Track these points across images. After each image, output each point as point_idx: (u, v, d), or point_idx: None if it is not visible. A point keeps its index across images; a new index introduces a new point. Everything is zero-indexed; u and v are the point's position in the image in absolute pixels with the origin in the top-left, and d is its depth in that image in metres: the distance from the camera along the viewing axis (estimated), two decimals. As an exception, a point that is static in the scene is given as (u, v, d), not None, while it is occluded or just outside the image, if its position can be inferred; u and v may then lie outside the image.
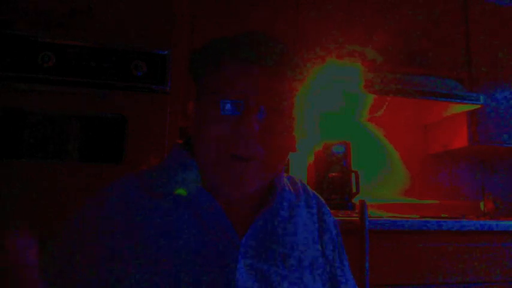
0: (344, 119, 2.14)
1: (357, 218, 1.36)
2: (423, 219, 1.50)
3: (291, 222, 0.65)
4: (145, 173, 0.64)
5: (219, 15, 1.72)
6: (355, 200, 1.75)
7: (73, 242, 0.57)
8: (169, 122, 1.32)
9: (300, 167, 2.00)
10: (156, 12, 1.37)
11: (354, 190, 1.82)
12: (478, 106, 1.88)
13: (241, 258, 0.57)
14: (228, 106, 0.57)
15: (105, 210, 0.57)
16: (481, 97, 1.85)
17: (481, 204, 2.24)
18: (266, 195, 0.64)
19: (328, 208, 0.74)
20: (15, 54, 1.22)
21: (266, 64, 0.58)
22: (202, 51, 0.62)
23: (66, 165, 1.22)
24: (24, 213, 1.16)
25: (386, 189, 2.16)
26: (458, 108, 1.95)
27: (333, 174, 1.85)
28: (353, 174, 1.84)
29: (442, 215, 1.96)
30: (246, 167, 0.57)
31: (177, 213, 0.58)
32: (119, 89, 1.29)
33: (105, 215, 0.57)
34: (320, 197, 0.75)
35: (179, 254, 0.55)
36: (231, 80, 0.58)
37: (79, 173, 1.22)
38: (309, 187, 0.75)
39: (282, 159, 0.62)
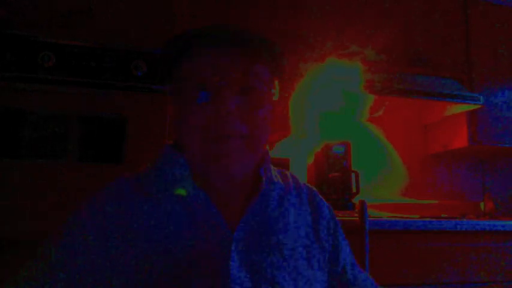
0: (344, 119, 2.14)
1: (357, 218, 1.36)
2: (423, 219, 1.50)
3: (282, 211, 0.66)
4: (139, 173, 0.65)
5: (219, 15, 1.72)
6: (355, 200, 1.75)
7: (67, 243, 0.57)
8: (169, 122, 1.32)
9: (300, 167, 2.00)
10: (156, 12, 1.37)
11: (354, 190, 1.82)
12: (478, 106, 1.88)
13: (234, 251, 0.57)
14: (203, 94, 0.58)
15: (101, 210, 0.58)
16: (481, 97, 1.85)
17: (481, 204, 2.24)
18: (255, 187, 0.65)
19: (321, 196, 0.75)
20: (15, 54, 1.22)
21: (238, 45, 0.59)
22: (171, 42, 0.63)
23: (66, 165, 1.22)
24: (24, 213, 1.16)
25: (386, 189, 2.16)
26: (458, 108, 1.95)
27: (333, 174, 1.85)
28: (353, 174, 1.84)
29: (442, 215, 1.96)
30: (227, 145, 0.57)
31: (170, 210, 0.59)
32: (119, 89, 1.29)
33: (100, 215, 0.57)
34: (312, 187, 0.76)
35: (172, 249, 0.56)
36: (204, 64, 0.59)
37: (79, 173, 1.22)
38: (300, 180, 0.76)
39: (264, 135, 0.62)
